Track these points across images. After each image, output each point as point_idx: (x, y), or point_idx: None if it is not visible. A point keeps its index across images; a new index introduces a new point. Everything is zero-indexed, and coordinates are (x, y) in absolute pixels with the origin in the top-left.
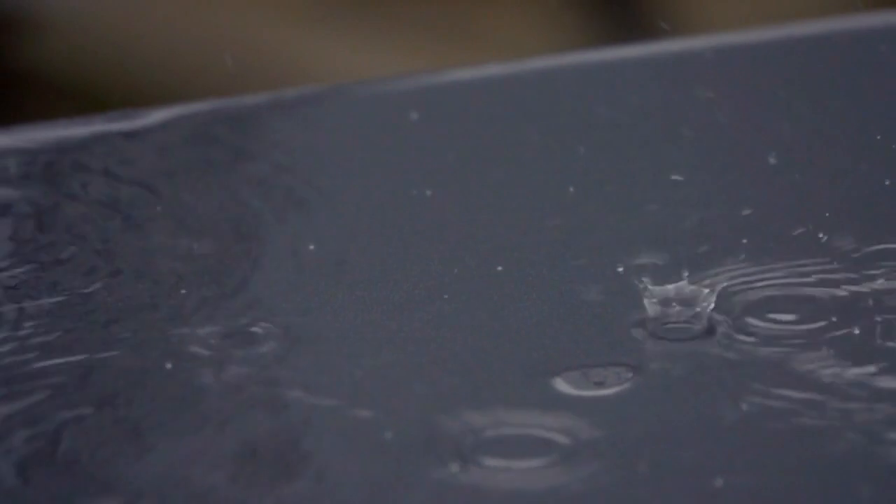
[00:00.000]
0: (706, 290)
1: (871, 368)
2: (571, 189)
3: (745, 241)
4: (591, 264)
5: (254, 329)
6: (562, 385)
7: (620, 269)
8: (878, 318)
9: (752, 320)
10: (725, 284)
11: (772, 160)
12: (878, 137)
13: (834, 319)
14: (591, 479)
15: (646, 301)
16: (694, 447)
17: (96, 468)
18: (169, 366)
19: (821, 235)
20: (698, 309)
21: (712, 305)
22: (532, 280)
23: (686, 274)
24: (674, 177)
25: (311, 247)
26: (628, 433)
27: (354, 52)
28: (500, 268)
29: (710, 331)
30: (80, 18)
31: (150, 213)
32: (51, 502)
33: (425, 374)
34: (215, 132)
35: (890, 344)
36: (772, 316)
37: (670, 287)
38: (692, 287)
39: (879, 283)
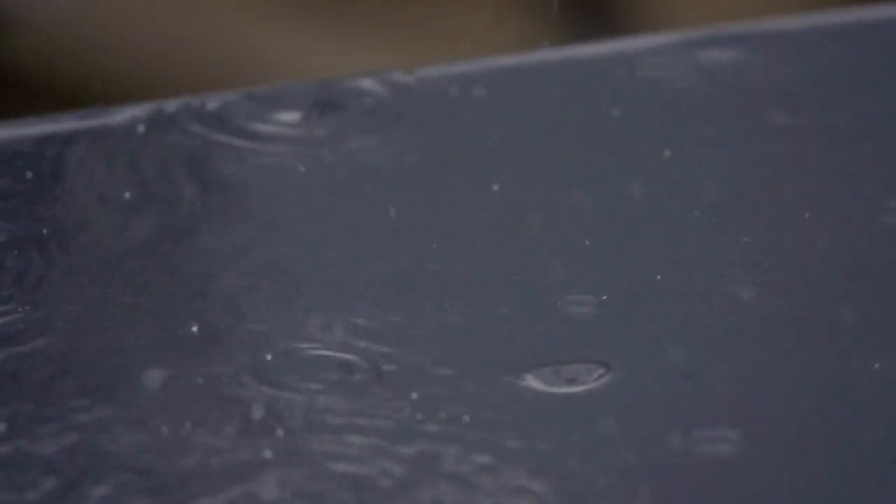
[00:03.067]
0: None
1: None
2: (543, 187)
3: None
4: (563, 262)
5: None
6: (533, 382)
7: (592, 268)
8: None
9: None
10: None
11: (746, 156)
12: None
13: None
14: (560, 477)
15: None
16: (666, 445)
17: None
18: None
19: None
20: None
21: None
22: (503, 277)
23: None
24: (647, 175)
25: (282, 244)
26: (599, 430)
27: (326, 49)
28: (472, 265)
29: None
30: (51, 15)
31: (122, 211)
32: None
33: (393, 370)
34: (188, 129)
35: None
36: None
37: None
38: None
39: None
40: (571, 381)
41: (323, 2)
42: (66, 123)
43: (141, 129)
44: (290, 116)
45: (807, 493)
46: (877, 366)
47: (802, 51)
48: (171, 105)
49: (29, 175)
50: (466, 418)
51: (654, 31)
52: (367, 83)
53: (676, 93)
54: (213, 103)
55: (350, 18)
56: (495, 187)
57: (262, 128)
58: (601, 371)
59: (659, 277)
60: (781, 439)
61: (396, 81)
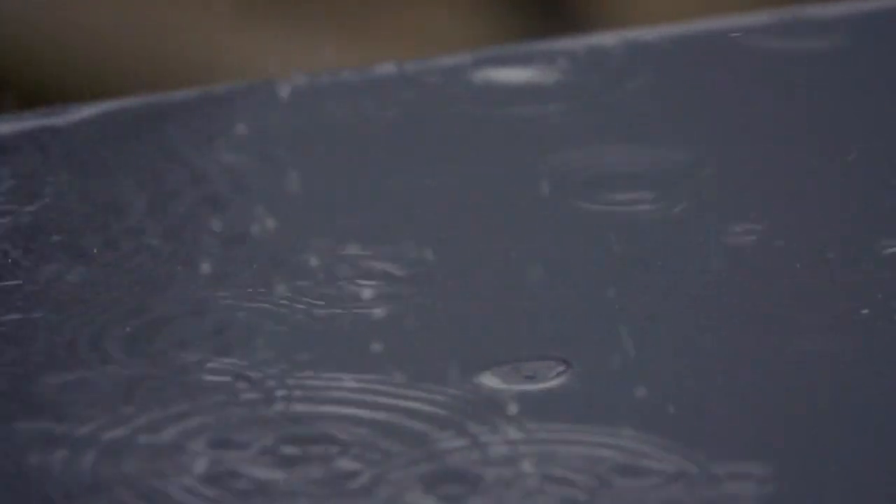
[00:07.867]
0: None
1: None
2: (503, 182)
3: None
4: (524, 258)
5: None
6: (491, 379)
7: (555, 263)
8: None
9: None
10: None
11: (702, 154)
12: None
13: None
14: (517, 474)
15: None
16: (629, 440)
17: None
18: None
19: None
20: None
21: None
22: (463, 273)
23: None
24: (608, 171)
25: (242, 242)
26: (558, 427)
27: (284, 48)
28: (431, 261)
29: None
30: (9, 13)
31: (78, 209)
32: None
33: (357, 366)
34: (146, 128)
35: None
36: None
37: None
38: None
39: None
40: (530, 379)
41: (281, 0)
42: (22, 122)
43: (98, 127)
44: (249, 116)
45: (767, 489)
46: (840, 363)
47: (760, 48)
48: (127, 104)
49: None
50: (427, 415)
51: (609, 28)
52: (323, 81)
53: (635, 90)
54: (170, 102)
55: (307, 16)
56: (453, 184)
57: (219, 127)
58: (561, 368)
59: (619, 273)
60: (742, 434)
61: (354, 79)
